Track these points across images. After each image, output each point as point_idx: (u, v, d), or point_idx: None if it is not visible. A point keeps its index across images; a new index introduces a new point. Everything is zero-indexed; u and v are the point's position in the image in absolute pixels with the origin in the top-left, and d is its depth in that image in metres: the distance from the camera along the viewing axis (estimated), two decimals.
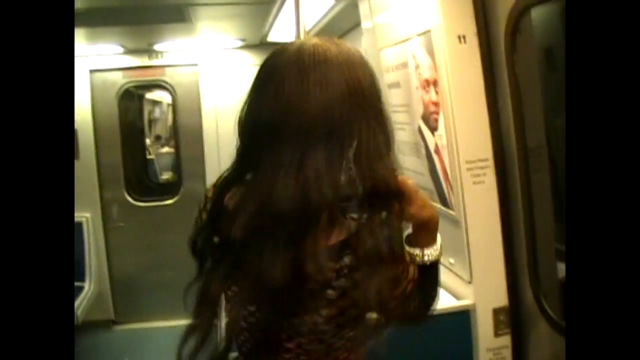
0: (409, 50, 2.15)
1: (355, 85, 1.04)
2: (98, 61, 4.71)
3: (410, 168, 2.40)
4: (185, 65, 4.84)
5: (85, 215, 4.61)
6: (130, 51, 4.68)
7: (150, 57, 4.77)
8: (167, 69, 4.86)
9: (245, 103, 1.10)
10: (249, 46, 4.72)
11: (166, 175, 6.35)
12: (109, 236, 4.76)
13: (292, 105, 1.01)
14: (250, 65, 4.80)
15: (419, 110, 2.15)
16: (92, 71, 4.73)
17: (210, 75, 4.81)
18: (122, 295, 4.81)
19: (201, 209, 1.16)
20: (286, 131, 1.00)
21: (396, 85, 2.36)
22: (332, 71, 1.03)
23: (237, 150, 1.11)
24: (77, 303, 4.07)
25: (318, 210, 0.99)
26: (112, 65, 4.76)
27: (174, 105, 4.98)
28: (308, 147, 0.99)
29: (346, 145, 1.01)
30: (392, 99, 2.46)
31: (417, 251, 1.19)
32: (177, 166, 5.05)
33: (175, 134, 5.02)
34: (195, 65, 4.82)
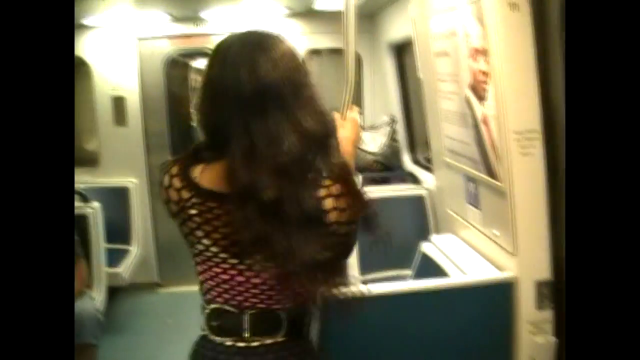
0: (458, 18, 2.11)
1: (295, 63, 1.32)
2: (146, 29, 4.76)
3: (456, 138, 2.38)
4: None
5: (132, 180, 4.71)
6: (177, 19, 4.70)
7: (196, 24, 4.79)
8: (213, 37, 4.86)
9: (210, 87, 1.33)
10: (295, 14, 4.69)
11: None
12: (154, 201, 4.84)
13: (266, 80, 1.26)
14: (296, 34, 4.78)
15: (467, 79, 2.12)
16: (140, 39, 4.79)
17: None
18: (167, 258, 4.90)
19: (167, 186, 1.40)
20: (262, 103, 1.25)
21: (444, 54, 2.33)
22: (286, 53, 1.31)
23: (207, 128, 1.38)
24: (124, 266, 4.19)
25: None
26: (160, 34, 4.81)
27: None
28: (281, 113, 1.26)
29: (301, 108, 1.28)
30: (440, 68, 2.43)
31: None
32: None
33: None
34: None
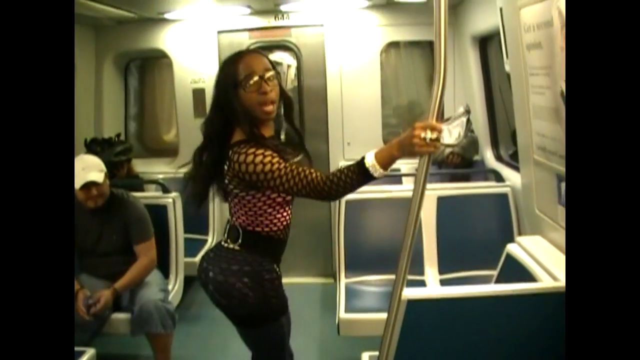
0: (554, 6, 1.99)
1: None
2: (226, 22, 4.80)
3: (547, 135, 2.25)
4: (311, 25, 4.82)
5: None
6: (257, 12, 4.72)
7: (276, 17, 4.80)
8: (293, 30, 4.86)
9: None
10: (375, 6, 4.62)
11: (283, 135, 6.43)
12: None
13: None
14: (376, 26, 4.71)
15: (563, 72, 1.99)
16: (220, 32, 4.84)
17: (335, 35, 4.77)
18: None
19: (196, 162, 2.27)
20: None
21: (537, 46, 2.20)
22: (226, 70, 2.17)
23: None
24: (201, 255, 4.26)
25: None
26: (239, 26, 4.84)
27: (298, 66, 4.98)
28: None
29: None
30: (531, 61, 2.30)
31: (375, 165, 1.87)
32: (300, 125, 5.07)
33: (299, 94, 5.03)
34: (321, 26, 4.79)
